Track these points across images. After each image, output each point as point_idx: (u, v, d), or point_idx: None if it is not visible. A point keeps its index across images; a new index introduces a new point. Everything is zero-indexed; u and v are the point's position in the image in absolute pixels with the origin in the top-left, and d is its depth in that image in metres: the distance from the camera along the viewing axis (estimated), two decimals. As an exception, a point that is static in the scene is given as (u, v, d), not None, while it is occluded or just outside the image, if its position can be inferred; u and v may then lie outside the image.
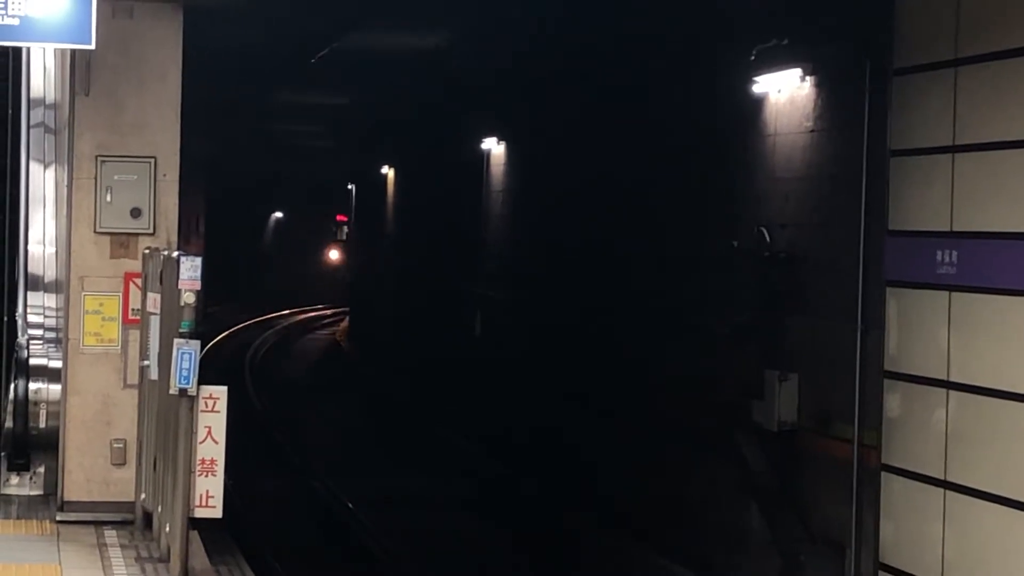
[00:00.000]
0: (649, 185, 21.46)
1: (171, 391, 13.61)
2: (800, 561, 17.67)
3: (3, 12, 14.91)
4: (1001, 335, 14.72)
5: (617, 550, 20.54)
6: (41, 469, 17.50)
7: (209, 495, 13.53)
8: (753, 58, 18.84)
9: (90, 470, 16.33)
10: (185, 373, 13.44)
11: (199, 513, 13.54)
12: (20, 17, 14.82)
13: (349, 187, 57.69)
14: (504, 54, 26.04)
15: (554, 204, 25.71)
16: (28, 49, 19.17)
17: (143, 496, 15.52)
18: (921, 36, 16.13)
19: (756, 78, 18.93)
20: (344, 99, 37.46)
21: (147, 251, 15.91)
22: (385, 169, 44.31)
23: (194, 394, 13.42)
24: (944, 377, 15.39)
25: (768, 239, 17.77)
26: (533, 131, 27.03)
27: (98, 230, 16.48)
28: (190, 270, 13.64)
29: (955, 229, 15.20)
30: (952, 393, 15.33)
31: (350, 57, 28.29)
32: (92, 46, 15.14)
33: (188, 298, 13.52)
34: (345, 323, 57.86)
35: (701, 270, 19.47)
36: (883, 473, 16.22)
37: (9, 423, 18.00)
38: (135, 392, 16.08)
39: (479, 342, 30.20)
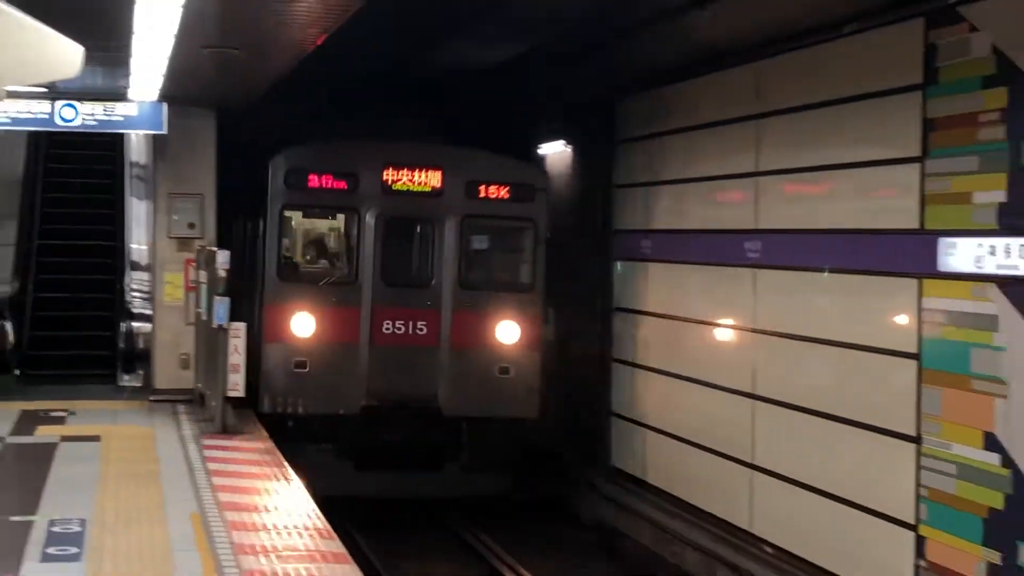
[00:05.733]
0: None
1: (213, 326, 14.84)
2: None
3: (112, 113, 16.21)
4: (663, 285, 16.14)
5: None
6: (141, 372, 18.91)
7: (236, 384, 14.85)
8: (538, 133, 19.17)
9: (168, 371, 17.70)
10: (221, 315, 14.63)
11: (230, 393, 14.90)
12: (123, 116, 16.30)
13: None
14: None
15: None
16: (127, 133, 20.02)
17: (199, 385, 16.63)
18: (630, 121, 17.23)
19: (541, 144, 19.36)
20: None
21: (199, 247, 16.95)
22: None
23: (227, 327, 14.61)
24: (641, 308, 16.72)
25: (549, 235, 17.10)
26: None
27: (170, 236, 17.77)
28: (223, 258, 14.78)
29: (649, 228, 16.50)
30: (643, 317, 16.72)
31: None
32: (164, 131, 16.52)
33: (222, 274, 14.65)
34: None
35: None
36: (613, 363, 17.47)
37: (122, 345, 19.58)
38: (193, 328, 17.18)
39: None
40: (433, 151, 16.64)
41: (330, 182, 16.23)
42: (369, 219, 16.39)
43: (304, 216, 16.99)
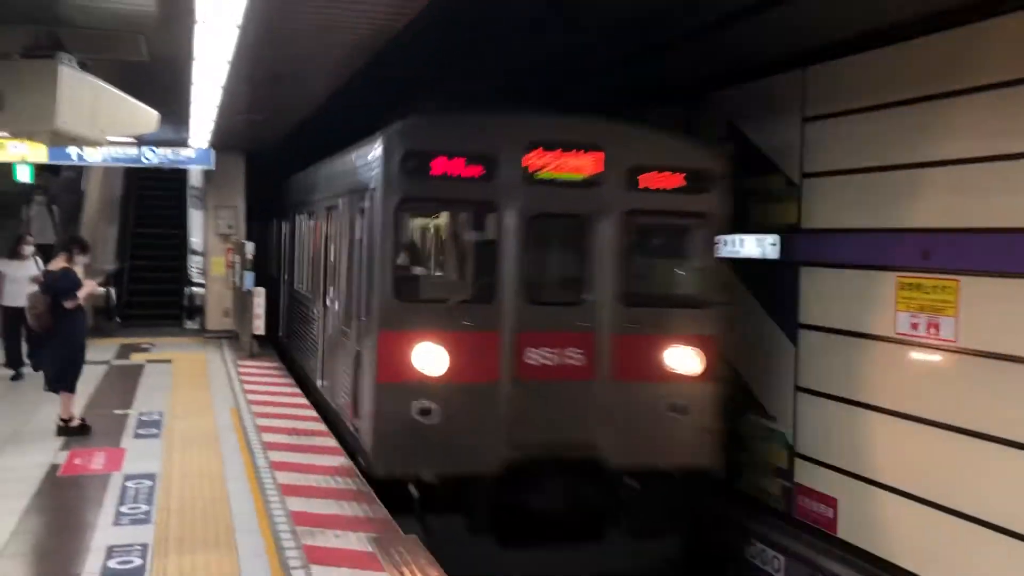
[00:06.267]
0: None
1: (243, 290, 14.90)
2: None
3: (178, 155, 15.29)
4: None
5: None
6: (199, 318, 18.88)
7: (258, 327, 14.58)
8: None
9: (216, 318, 17.76)
10: (249, 282, 14.70)
11: (254, 332, 14.70)
12: (186, 157, 15.50)
13: None
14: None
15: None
16: (188, 168, 18.30)
17: (235, 327, 16.72)
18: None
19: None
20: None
21: (234, 240, 17.11)
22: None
23: (252, 291, 14.55)
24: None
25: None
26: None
27: (216, 233, 17.87)
28: (250, 247, 14.93)
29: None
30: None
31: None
32: (212, 167, 15.87)
33: (249, 257, 14.79)
34: None
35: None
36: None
37: (186, 303, 19.56)
38: (231, 291, 17.10)
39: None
40: (592, 128, 8.90)
41: (461, 168, 8.48)
42: (510, 217, 8.74)
43: (412, 213, 8.87)
